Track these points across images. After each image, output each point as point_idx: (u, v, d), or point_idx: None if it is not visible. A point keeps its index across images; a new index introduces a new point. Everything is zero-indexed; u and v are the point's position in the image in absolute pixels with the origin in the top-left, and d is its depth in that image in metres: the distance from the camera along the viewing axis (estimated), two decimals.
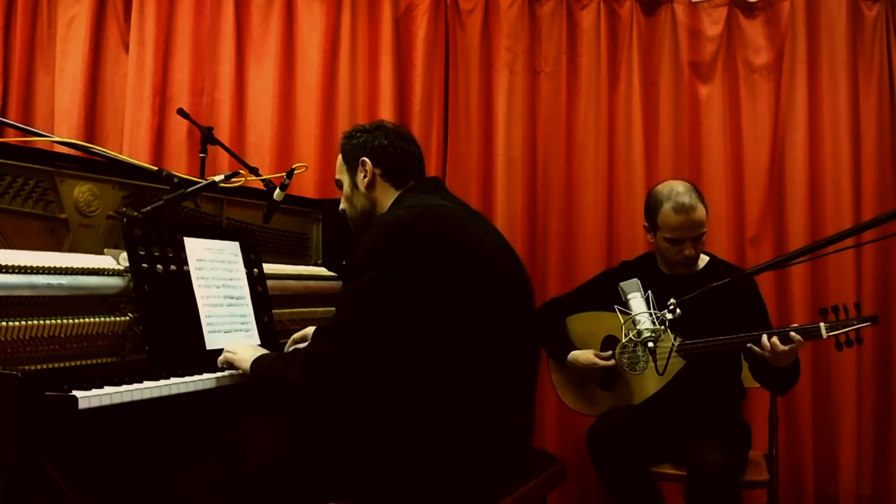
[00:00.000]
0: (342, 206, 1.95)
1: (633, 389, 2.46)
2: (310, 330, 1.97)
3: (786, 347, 2.12)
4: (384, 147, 1.85)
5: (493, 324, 1.67)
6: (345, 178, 1.92)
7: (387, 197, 1.86)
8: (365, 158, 1.85)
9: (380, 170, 1.86)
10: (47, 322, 1.59)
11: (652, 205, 2.43)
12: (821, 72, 3.17)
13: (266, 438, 2.45)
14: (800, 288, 3.09)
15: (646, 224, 2.49)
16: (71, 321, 1.63)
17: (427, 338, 1.61)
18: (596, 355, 2.46)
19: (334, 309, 2.56)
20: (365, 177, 1.86)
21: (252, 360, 1.75)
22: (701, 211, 2.36)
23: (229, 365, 1.81)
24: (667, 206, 2.36)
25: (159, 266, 1.83)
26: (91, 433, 1.44)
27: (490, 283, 1.69)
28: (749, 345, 2.18)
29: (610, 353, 2.47)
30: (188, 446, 2.16)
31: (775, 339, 2.13)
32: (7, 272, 1.54)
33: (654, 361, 2.12)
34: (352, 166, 1.89)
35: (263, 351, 1.81)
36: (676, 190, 2.38)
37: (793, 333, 2.13)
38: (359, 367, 1.62)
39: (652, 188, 2.51)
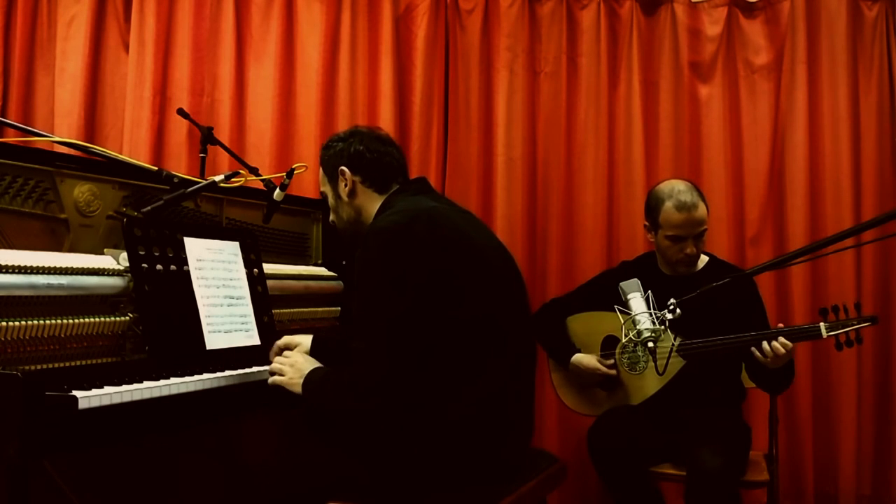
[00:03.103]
0: (331, 217, 1.95)
1: (633, 389, 2.46)
2: (294, 339, 1.91)
3: (783, 350, 2.13)
4: (360, 153, 1.84)
5: (491, 323, 1.67)
6: (328, 190, 1.92)
7: (371, 203, 1.85)
8: (343, 168, 1.85)
9: (359, 177, 1.85)
10: (47, 322, 1.59)
11: (653, 203, 2.43)
12: (821, 72, 3.17)
13: (266, 438, 2.45)
14: (800, 288, 3.09)
15: (646, 223, 2.49)
16: (71, 321, 1.63)
17: (427, 339, 1.61)
18: (599, 362, 2.46)
19: (337, 309, 2.60)
20: (346, 185, 1.85)
21: (302, 383, 1.71)
22: (702, 209, 2.37)
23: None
24: (668, 204, 2.36)
25: (159, 266, 1.83)
26: (91, 433, 1.44)
27: (486, 284, 1.69)
28: (752, 348, 2.19)
29: (612, 361, 2.47)
30: (188, 446, 2.16)
31: (776, 344, 2.14)
32: (7, 272, 1.54)
33: (654, 361, 2.12)
34: (332, 177, 1.89)
35: (311, 366, 1.75)
36: (678, 188, 2.38)
37: (783, 339, 2.14)
38: (403, 383, 1.60)
39: (653, 187, 2.51)
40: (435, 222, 1.68)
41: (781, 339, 2.14)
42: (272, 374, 1.80)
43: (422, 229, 1.64)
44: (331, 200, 1.92)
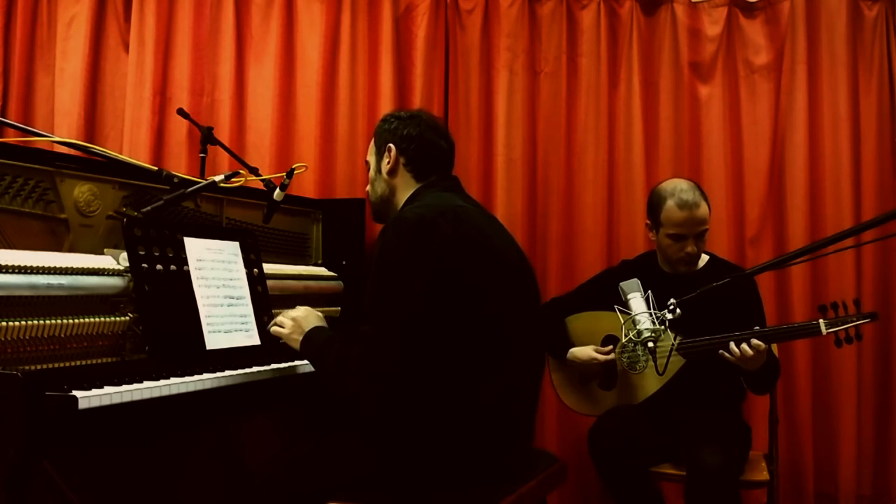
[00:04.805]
0: (367, 188, 1.97)
1: (633, 389, 2.46)
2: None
3: (752, 352, 2.13)
4: (412, 137, 1.85)
5: (502, 326, 1.67)
6: (372, 161, 1.93)
7: (406, 187, 1.86)
8: (391, 145, 1.86)
9: (404, 158, 1.86)
10: (47, 322, 1.59)
11: (655, 201, 2.43)
12: (821, 72, 3.17)
13: (266, 438, 2.45)
14: (800, 288, 3.09)
15: (648, 221, 2.49)
16: (71, 321, 1.63)
17: (438, 335, 1.60)
18: (595, 350, 2.47)
19: (337, 309, 2.60)
20: (388, 163, 1.86)
21: (301, 340, 1.77)
22: (704, 208, 2.37)
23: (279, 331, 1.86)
24: (670, 203, 2.36)
25: (159, 266, 1.83)
26: (91, 433, 1.44)
27: (502, 286, 1.70)
28: (721, 351, 2.19)
29: (610, 347, 2.47)
30: (188, 446, 2.16)
31: (745, 346, 2.15)
32: (7, 272, 1.54)
33: (654, 361, 2.13)
34: (379, 150, 1.90)
35: (313, 324, 1.80)
36: (680, 187, 2.39)
37: (754, 341, 2.14)
38: (409, 375, 1.60)
39: (655, 186, 2.51)
40: (460, 220, 1.68)
41: (754, 341, 2.15)
42: (274, 324, 1.86)
43: (446, 225, 1.64)
44: (371, 172, 1.94)
